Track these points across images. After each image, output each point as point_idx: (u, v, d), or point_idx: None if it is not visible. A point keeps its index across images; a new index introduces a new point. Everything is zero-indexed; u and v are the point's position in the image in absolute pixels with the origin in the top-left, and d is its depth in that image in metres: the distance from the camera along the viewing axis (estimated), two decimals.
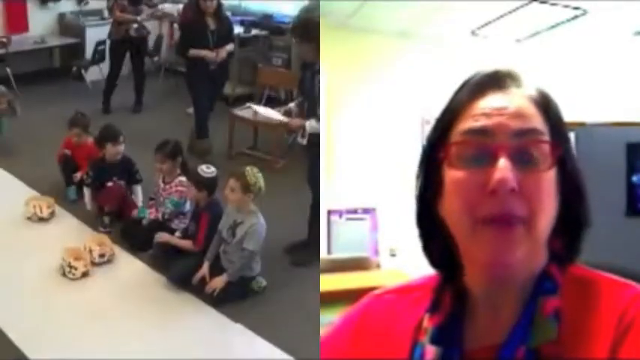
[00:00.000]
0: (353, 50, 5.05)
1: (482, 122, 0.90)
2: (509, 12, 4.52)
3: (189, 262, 3.70)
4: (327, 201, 4.40)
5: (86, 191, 4.50)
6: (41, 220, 4.37)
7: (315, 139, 3.68)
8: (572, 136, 0.98)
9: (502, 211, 0.86)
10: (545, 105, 0.93)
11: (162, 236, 3.89)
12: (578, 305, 0.89)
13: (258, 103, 6.00)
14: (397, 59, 5.20)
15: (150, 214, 4.17)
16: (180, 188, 4.11)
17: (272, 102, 6.30)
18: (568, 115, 0.98)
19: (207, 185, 3.76)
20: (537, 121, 0.91)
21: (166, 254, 3.82)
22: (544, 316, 0.88)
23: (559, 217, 0.91)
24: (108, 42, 6.89)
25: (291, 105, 3.96)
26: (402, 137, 5.02)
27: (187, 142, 5.32)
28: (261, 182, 3.54)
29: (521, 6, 4.34)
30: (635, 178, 3.76)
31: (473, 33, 5.11)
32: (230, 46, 5.41)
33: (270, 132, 5.47)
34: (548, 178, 0.89)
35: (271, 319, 3.45)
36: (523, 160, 0.87)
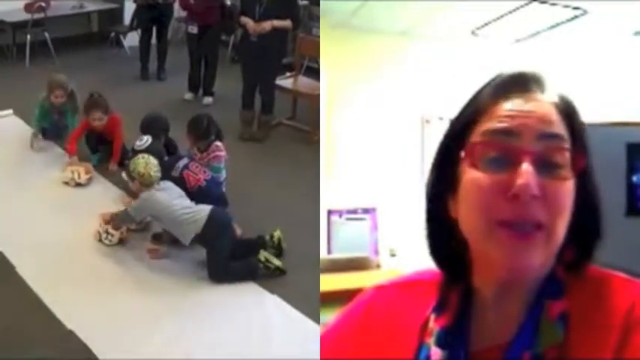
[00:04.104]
0: (353, 50, 5.05)
1: (507, 123, 0.89)
2: (509, 12, 4.51)
3: None
4: (327, 201, 4.40)
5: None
6: (79, 185, 4.36)
7: None
8: None
9: (522, 216, 0.85)
10: (569, 114, 0.92)
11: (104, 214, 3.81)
12: (588, 303, 0.89)
13: (298, 73, 5.97)
14: (397, 59, 5.19)
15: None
16: (218, 153, 4.11)
17: (311, 72, 6.21)
18: None
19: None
20: (561, 129, 0.90)
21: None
22: (550, 320, 0.88)
23: (570, 227, 0.90)
24: (133, 7, 6.75)
25: None
26: (402, 137, 5.02)
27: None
28: (142, 168, 3.48)
29: (521, 6, 4.34)
30: (635, 178, 3.75)
31: (473, 33, 5.11)
32: (279, 22, 5.10)
33: (309, 102, 5.42)
34: (569, 187, 0.88)
35: (306, 291, 3.41)
36: (545, 166, 0.87)
